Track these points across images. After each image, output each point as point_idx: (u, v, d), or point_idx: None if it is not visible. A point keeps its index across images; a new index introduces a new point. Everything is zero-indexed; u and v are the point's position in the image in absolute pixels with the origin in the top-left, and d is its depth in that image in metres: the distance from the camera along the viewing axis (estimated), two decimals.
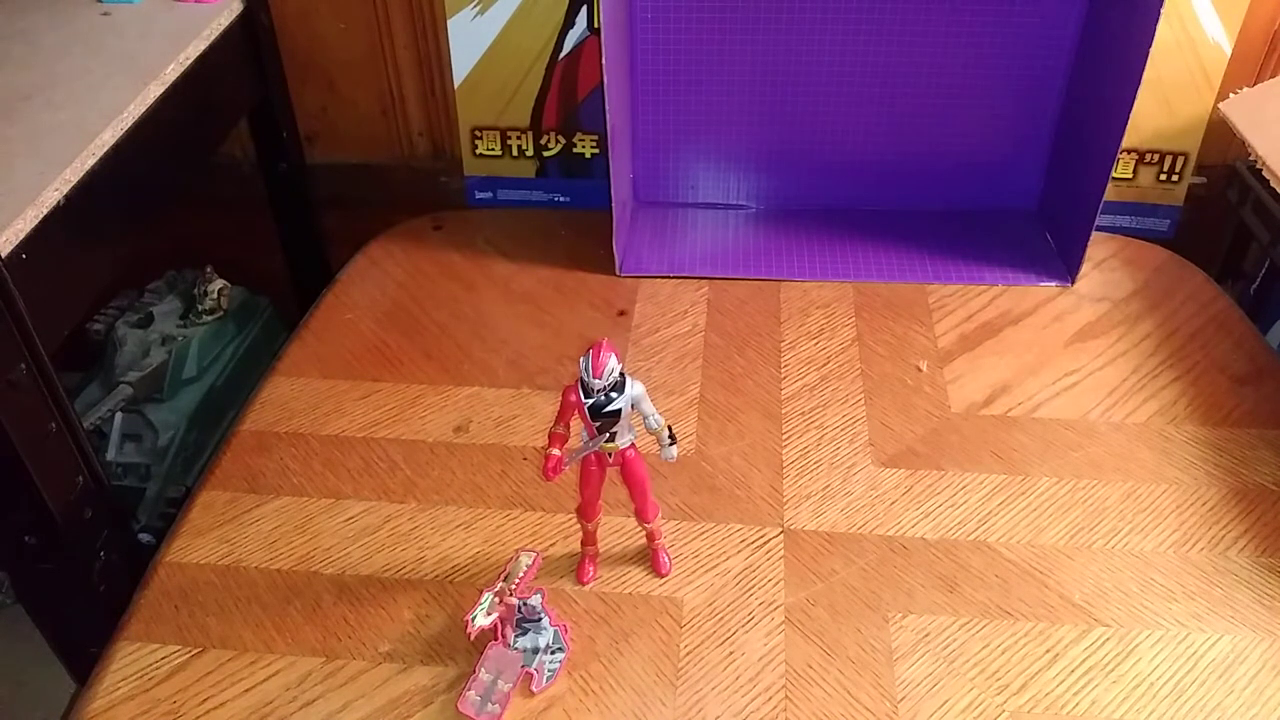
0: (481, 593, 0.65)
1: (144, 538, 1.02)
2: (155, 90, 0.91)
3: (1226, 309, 0.98)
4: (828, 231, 1.10)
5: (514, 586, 0.66)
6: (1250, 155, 0.96)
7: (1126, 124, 0.90)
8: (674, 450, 0.68)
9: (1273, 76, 1.05)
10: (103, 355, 1.16)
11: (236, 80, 1.09)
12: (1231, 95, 1.03)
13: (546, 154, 1.17)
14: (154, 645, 0.71)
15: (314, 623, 0.72)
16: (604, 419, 0.65)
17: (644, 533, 0.74)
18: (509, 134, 1.15)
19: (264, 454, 0.85)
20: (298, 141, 1.21)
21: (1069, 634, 0.69)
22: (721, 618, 0.71)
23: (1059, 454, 0.83)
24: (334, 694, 0.67)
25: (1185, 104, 1.06)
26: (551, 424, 0.67)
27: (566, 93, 1.12)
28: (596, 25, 1.08)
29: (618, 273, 1.05)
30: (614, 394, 0.64)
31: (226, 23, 1.03)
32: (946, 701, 0.66)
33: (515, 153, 1.17)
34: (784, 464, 0.83)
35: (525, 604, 0.66)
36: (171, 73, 0.93)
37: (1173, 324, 0.96)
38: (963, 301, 1.00)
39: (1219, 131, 1.06)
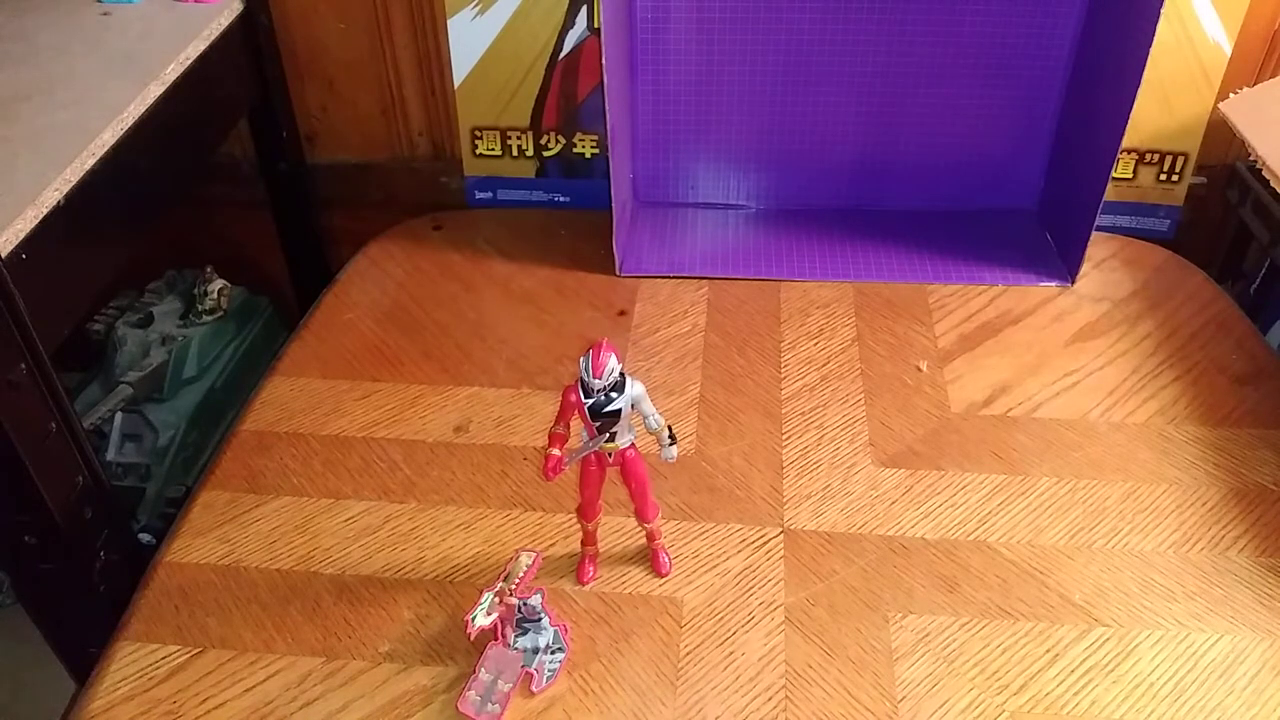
0: (481, 593, 0.65)
1: (144, 538, 1.02)
2: (155, 90, 0.91)
3: (1226, 309, 0.98)
4: (828, 231, 1.10)
5: (514, 586, 0.66)
6: (1250, 155, 0.96)
7: (1126, 124, 0.90)
8: (674, 450, 0.68)
9: (1273, 76, 1.05)
10: (103, 355, 1.16)
11: (236, 80, 1.09)
12: (1231, 95, 1.03)
13: (546, 154, 1.17)
14: (154, 645, 0.71)
15: (314, 623, 0.72)
16: (604, 419, 0.65)
17: (644, 533, 0.74)
18: (509, 134, 1.15)
19: (264, 454, 0.85)
20: (298, 141, 1.21)
21: (1069, 634, 0.69)
22: (721, 618, 0.71)
23: (1059, 454, 0.83)
24: (334, 694, 0.67)
25: (1185, 104, 1.06)
26: (551, 424, 0.67)
27: (566, 93, 1.12)
28: (596, 25, 1.08)
29: (618, 273, 1.05)
30: (614, 394, 0.64)
31: (226, 23, 1.03)
32: (946, 701, 0.66)
33: (515, 153, 1.17)
34: (784, 464, 0.83)
35: (525, 604, 0.66)
36: (171, 73, 0.93)
37: (1173, 324, 0.96)
38: (963, 301, 1.00)
39: (1219, 131, 1.06)
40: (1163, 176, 1.10)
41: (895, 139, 1.10)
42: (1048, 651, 0.68)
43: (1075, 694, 0.66)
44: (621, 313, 1.00)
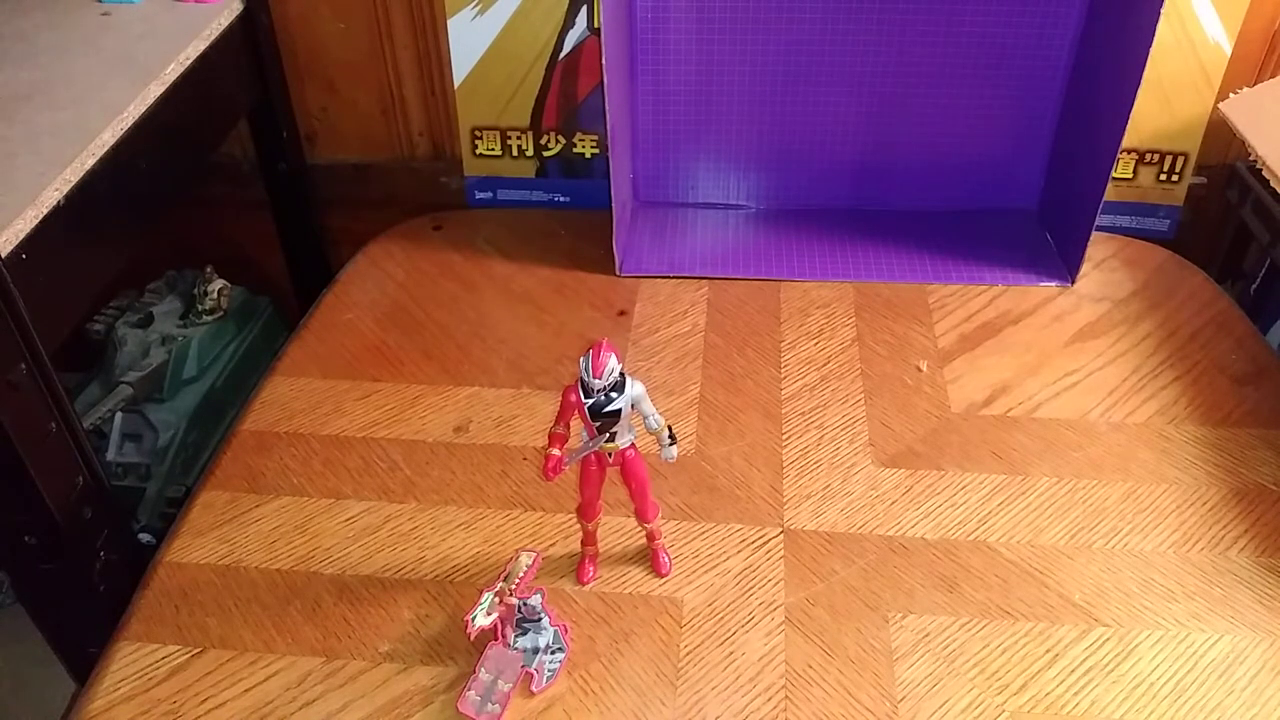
0: (481, 593, 0.65)
1: (144, 538, 1.02)
2: (155, 90, 0.91)
3: (1226, 309, 0.98)
4: (828, 231, 1.10)
5: (514, 586, 0.66)
6: (1250, 155, 0.96)
7: (1126, 124, 0.90)
8: (674, 450, 0.68)
9: (1273, 76, 1.05)
10: (103, 355, 1.16)
11: (236, 80, 1.09)
12: (1231, 95, 1.03)
13: (546, 154, 1.17)
14: (154, 645, 0.71)
15: (314, 623, 0.72)
16: (604, 419, 0.65)
17: (644, 533, 0.74)
18: (509, 134, 1.15)
19: (264, 454, 0.85)
20: (298, 141, 1.21)
21: (1069, 634, 0.69)
22: (721, 618, 0.71)
23: (1059, 454, 0.83)
24: (334, 694, 0.67)
25: (1185, 104, 1.06)
26: (551, 424, 0.67)
27: (566, 93, 1.12)
28: (596, 25, 1.08)
29: (618, 273, 1.05)
30: (614, 394, 0.64)
31: (226, 23, 1.03)
32: (946, 701, 0.66)
33: (515, 153, 1.17)
34: (784, 464, 0.83)
35: (525, 604, 0.66)
36: (171, 73, 0.93)
37: (1173, 324, 0.96)
38: (963, 301, 1.00)
39: (1219, 131, 1.06)
40: (1163, 176, 1.10)
41: (895, 139, 1.10)
42: (1048, 651, 0.68)
43: (1075, 694, 0.66)
44: (621, 313, 1.00)
